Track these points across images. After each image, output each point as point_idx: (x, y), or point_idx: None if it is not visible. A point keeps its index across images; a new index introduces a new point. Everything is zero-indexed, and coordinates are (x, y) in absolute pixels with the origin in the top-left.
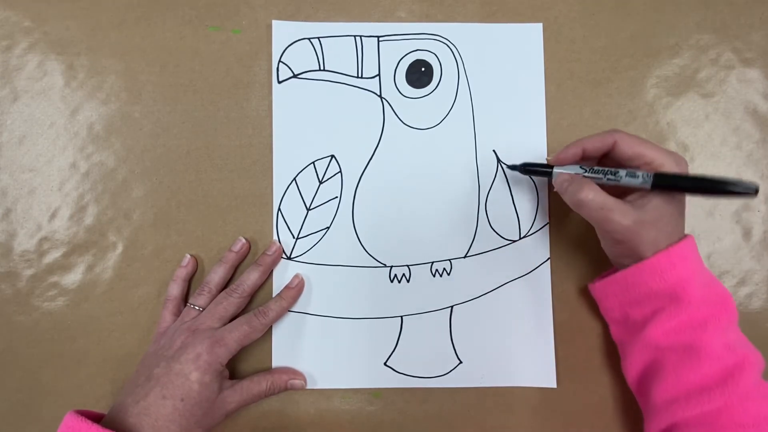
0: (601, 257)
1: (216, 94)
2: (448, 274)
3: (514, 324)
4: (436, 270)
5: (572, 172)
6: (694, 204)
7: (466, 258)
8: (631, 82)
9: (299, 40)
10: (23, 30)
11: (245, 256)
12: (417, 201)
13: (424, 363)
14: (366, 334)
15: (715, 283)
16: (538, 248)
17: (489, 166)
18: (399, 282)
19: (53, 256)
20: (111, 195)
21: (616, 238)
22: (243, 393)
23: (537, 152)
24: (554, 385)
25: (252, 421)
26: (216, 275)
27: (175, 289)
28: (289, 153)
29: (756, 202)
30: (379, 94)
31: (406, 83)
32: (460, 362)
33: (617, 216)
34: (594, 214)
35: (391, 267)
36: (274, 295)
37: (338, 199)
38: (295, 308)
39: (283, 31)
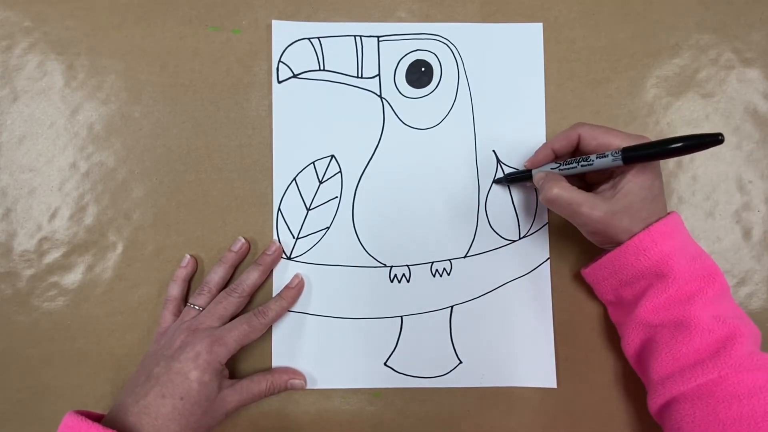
0: None
1: (216, 94)
2: (448, 274)
3: (514, 324)
4: (436, 270)
5: (548, 170)
6: (694, 204)
7: (466, 258)
8: (631, 82)
9: (299, 40)
10: (23, 30)
11: (245, 256)
12: (417, 201)
13: (424, 363)
14: (366, 334)
15: (703, 257)
16: (538, 248)
17: (489, 166)
18: (399, 282)
19: (53, 256)
20: (111, 195)
21: (590, 230)
22: (243, 392)
23: None
24: (554, 385)
25: (252, 421)
26: (216, 275)
27: (175, 290)
28: (289, 153)
29: (756, 202)
30: (379, 94)
31: (406, 83)
32: (460, 362)
33: (586, 209)
34: (565, 210)
35: (391, 267)
36: (274, 295)
37: (338, 199)
38: (295, 308)
39: (283, 31)
